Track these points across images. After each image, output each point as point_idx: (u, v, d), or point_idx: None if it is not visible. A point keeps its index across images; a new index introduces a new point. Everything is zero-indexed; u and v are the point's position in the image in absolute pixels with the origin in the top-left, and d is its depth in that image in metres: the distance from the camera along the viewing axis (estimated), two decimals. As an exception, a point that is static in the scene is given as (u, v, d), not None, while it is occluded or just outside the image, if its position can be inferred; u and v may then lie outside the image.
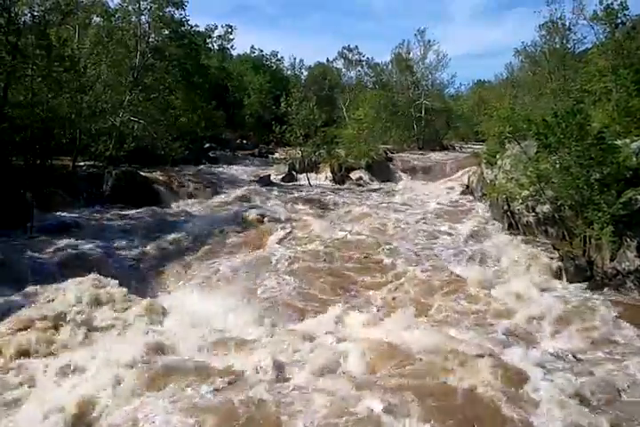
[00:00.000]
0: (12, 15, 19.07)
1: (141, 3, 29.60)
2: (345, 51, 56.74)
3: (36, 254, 13.78)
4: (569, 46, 32.08)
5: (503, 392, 7.87)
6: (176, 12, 31.02)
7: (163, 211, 20.92)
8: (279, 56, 61.01)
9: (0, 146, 17.74)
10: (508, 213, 17.19)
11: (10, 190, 16.30)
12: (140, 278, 13.75)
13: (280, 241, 17.05)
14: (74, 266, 13.31)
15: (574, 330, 10.55)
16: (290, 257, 15.21)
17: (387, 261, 14.88)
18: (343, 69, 59.10)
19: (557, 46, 32.36)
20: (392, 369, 8.71)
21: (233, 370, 8.65)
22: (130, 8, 30.06)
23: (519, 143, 16.10)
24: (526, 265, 13.84)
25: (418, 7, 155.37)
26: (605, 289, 12.73)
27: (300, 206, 22.70)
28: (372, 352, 9.09)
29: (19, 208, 16.19)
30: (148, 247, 15.65)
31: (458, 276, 13.53)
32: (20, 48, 18.49)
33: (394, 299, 12.43)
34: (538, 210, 15.77)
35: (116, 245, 15.61)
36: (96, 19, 31.15)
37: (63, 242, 14.90)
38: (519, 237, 15.95)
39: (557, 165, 14.00)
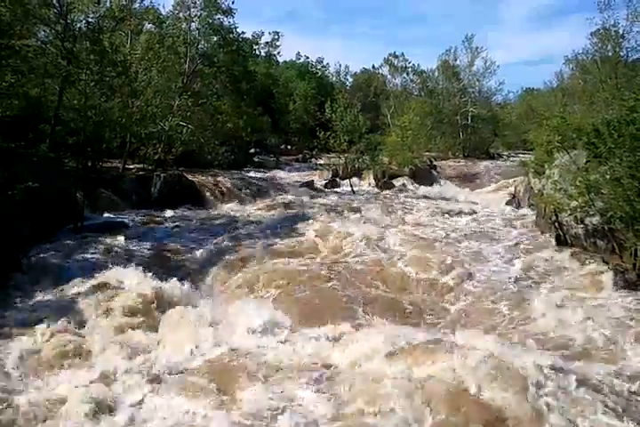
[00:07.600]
0: (69, 22, 19.74)
1: (192, 10, 30.39)
2: (391, 57, 56.71)
3: (85, 253, 14.19)
4: (622, 54, 31.22)
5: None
6: (225, 19, 31.86)
7: (208, 214, 21.33)
8: (324, 63, 61.62)
9: (54, 148, 18.35)
10: (556, 224, 16.77)
11: (62, 191, 16.74)
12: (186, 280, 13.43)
13: (328, 246, 16.17)
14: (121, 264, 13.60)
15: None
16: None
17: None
18: (388, 76, 59.12)
19: (610, 54, 31.56)
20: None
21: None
22: (180, 15, 31.01)
23: (568, 153, 15.75)
24: (575, 278, 13.44)
25: (469, 13, 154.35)
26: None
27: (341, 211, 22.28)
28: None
29: (70, 208, 16.63)
30: (195, 250, 15.62)
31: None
32: (75, 54, 19.04)
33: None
34: (587, 222, 15.29)
35: (162, 244, 15.87)
36: (148, 25, 32.12)
37: (111, 241, 15.31)
38: (567, 250, 15.50)
39: (608, 176, 13.62)
